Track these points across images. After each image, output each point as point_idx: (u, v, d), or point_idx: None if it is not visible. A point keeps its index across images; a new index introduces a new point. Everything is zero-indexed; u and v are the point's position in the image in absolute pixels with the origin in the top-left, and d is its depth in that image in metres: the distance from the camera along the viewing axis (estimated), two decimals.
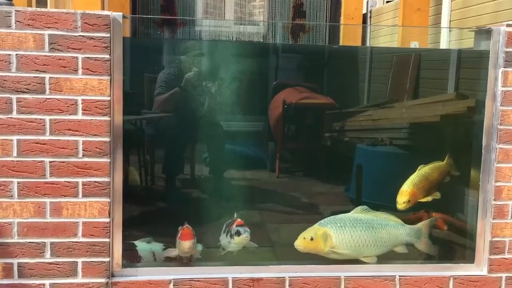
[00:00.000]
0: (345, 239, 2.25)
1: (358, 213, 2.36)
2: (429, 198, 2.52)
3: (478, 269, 2.29)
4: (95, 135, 1.98)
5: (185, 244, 2.20)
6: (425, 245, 2.41)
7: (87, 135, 1.97)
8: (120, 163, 2.05)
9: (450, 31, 4.61)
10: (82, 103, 1.96)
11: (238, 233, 2.28)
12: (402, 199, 2.47)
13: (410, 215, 2.89)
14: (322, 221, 2.30)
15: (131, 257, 2.24)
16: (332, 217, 2.35)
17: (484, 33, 2.29)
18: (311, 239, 2.23)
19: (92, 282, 2.04)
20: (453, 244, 2.68)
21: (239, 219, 2.35)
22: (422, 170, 2.60)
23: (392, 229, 2.35)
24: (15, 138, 1.94)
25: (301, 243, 2.24)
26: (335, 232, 2.25)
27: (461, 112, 2.81)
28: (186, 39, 5.53)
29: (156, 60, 3.11)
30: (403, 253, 2.37)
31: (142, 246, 2.35)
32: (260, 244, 2.41)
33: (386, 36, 6.27)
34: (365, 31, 6.26)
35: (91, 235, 2.02)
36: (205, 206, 2.62)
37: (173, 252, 2.29)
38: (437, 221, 2.63)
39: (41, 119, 1.94)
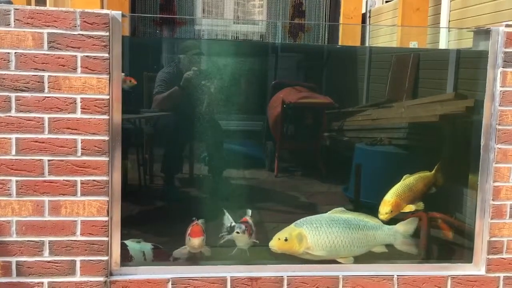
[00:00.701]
0: (320, 240, 2.22)
1: (335, 214, 2.34)
2: (412, 208, 2.48)
3: (476, 269, 2.29)
4: (94, 133, 1.98)
5: (195, 241, 2.24)
6: (405, 245, 2.37)
7: (86, 134, 1.97)
8: (118, 161, 2.05)
9: (449, 31, 4.61)
10: (81, 102, 1.96)
11: (233, 229, 2.32)
12: (385, 209, 2.42)
13: (408, 216, 2.90)
14: (298, 221, 2.28)
15: (125, 256, 2.24)
16: (308, 217, 2.32)
17: (483, 33, 2.29)
18: (286, 239, 2.20)
19: (90, 281, 2.04)
20: (451, 243, 2.69)
21: (245, 217, 2.39)
22: (407, 180, 2.55)
23: (369, 230, 2.32)
24: (13, 136, 1.93)
25: (276, 243, 2.21)
26: (310, 233, 2.22)
27: (460, 112, 2.82)
28: (185, 38, 5.53)
29: (155, 59, 3.11)
30: (383, 252, 2.34)
31: (132, 245, 2.35)
32: (259, 244, 2.41)
33: (385, 36, 6.28)
34: (364, 31, 6.26)
35: (89, 233, 2.02)
36: (203, 205, 2.62)
37: (183, 251, 2.31)
38: (441, 225, 2.61)
39: (40, 117, 1.94)
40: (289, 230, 2.24)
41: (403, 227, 2.38)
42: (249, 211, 2.49)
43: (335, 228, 2.26)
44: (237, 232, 2.29)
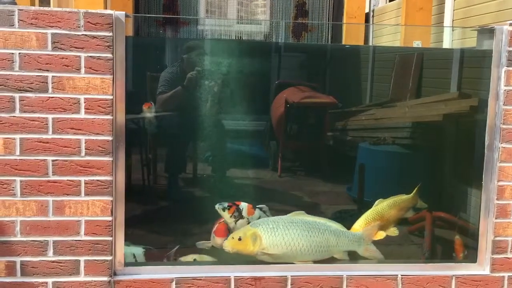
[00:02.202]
0: (276, 241, 2.18)
1: (295, 216, 2.29)
2: (382, 235, 2.37)
3: (480, 268, 2.29)
4: (98, 133, 1.98)
5: (218, 240, 2.30)
6: (369, 252, 2.31)
7: (90, 134, 1.98)
8: (122, 161, 2.05)
9: (453, 30, 4.60)
10: (84, 102, 1.96)
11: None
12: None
13: (412, 216, 2.89)
14: (255, 221, 2.26)
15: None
16: (266, 218, 2.30)
17: (487, 32, 2.28)
18: (239, 239, 2.17)
19: (94, 281, 2.04)
20: (456, 243, 2.68)
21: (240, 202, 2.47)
22: (379, 206, 2.48)
23: (330, 235, 2.25)
24: (18, 137, 1.94)
25: (229, 243, 2.18)
26: (265, 234, 2.18)
27: (464, 112, 2.81)
28: (189, 38, 5.54)
29: (159, 59, 3.11)
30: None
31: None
32: None
33: (389, 35, 6.26)
34: (368, 30, 6.26)
35: (93, 233, 2.02)
36: (207, 205, 2.62)
37: (207, 244, 2.37)
38: (456, 247, 2.48)
39: (43, 118, 1.94)
40: (244, 230, 2.21)
41: (368, 233, 2.32)
42: (265, 207, 2.52)
43: (293, 230, 2.20)
44: (219, 208, 2.36)
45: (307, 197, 3.23)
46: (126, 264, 2.11)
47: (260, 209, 2.49)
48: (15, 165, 1.95)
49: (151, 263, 2.26)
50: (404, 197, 2.56)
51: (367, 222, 2.39)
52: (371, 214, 2.43)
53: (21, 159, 1.95)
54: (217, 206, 2.44)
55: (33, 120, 1.94)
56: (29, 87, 1.93)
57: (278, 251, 2.18)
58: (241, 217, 2.43)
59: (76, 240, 2.01)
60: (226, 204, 2.41)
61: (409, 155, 3.25)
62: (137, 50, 2.50)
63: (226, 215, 2.40)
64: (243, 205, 2.46)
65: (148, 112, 2.79)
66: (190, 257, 2.36)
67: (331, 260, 2.32)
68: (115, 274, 2.08)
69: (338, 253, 2.26)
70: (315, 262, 2.22)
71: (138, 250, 2.34)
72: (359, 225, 2.39)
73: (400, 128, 3.37)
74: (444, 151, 3.05)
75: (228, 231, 2.29)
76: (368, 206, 2.54)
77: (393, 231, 2.43)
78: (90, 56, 1.95)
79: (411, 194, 2.57)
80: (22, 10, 1.90)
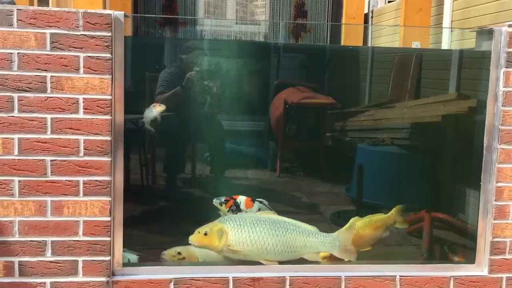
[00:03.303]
0: (242, 238, 2.15)
1: (264, 215, 2.28)
2: (351, 257, 2.29)
3: (478, 269, 2.29)
4: (96, 134, 1.98)
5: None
6: (345, 253, 2.25)
7: (88, 134, 1.97)
8: (121, 162, 2.05)
9: (451, 31, 4.60)
10: (83, 102, 1.96)
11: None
12: (323, 254, 2.29)
13: (411, 216, 2.90)
14: (222, 218, 2.24)
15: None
16: (234, 215, 2.29)
17: (486, 33, 2.28)
18: (205, 234, 2.14)
19: (92, 281, 2.04)
20: (454, 244, 2.68)
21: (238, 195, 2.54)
22: (354, 224, 2.39)
23: (300, 235, 2.20)
24: (16, 136, 1.94)
25: (195, 237, 2.16)
26: (232, 230, 2.15)
27: (463, 112, 2.81)
28: (188, 38, 5.53)
29: (158, 59, 3.11)
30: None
31: None
32: None
33: (388, 36, 6.27)
34: (367, 31, 6.25)
35: (92, 234, 2.02)
36: (205, 205, 2.62)
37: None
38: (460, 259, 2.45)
39: (42, 117, 1.94)
40: (210, 225, 2.19)
41: (343, 235, 2.26)
42: (264, 201, 2.54)
43: (260, 228, 2.18)
44: (216, 203, 2.38)
45: (306, 197, 3.23)
46: (124, 264, 2.11)
47: (260, 202, 2.50)
48: (13, 165, 1.95)
49: (149, 264, 2.26)
50: (382, 216, 2.52)
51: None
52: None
53: (19, 159, 1.95)
54: (214, 201, 2.47)
55: (32, 120, 1.94)
56: (27, 87, 1.92)
57: (244, 248, 2.16)
58: (239, 210, 2.45)
59: (74, 241, 2.01)
60: (223, 199, 2.44)
61: (408, 156, 3.26)
62: (136, 50, 2.50)
63: (223, 210, 2.42)
64: (241, 199, 2.47)
65: (156, 112, 2.79)
66: (173, 251, 2.33)
67: (330, 260, 2.32)
68: (113, 274, 2.08)
69: (307, 254, 2.22)
70: (282, 262, 2.20)
71: (133, 257, 2.33)
72: None
73: (399, 129, 3.37)
74: (443, 152, 3.05)
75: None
76: (367, 206, 2.54)
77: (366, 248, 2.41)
78: (89, 56, 1.94)
79: (388, 214, 2.52)
80: (20, 10, 1.90)
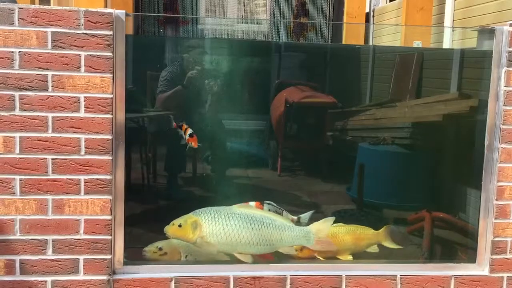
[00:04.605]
0: (216, 231, 2.17)
1: (240, 208, 2.27)
2: (329, 248, 2.30)
3: (479, 269, 2.29)
4: (98, 132, 1.98)
5: None
6: (320, 245, 2.27)
7: (90, 133, 1.98)
8: (122, 160, 2.05)
9: (453, 30, 4.60)
10: (84, 101, 1.96)
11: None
12: (297, 247, 2.30)
13: (411, 215, 2.90)
14: (198, 210, 2.24)
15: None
16: (209, 207, 2.27)
17: (487, 32, 2.28)
18: (180, 225, 2.17)
19: (93, 279, 2.04)
20: (455, 243, 2.68)
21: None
22: (336, 228, 2.42)
23: (275, 229, 2.22)
24: (17, 135, 1.94)
25: (170, 229, 2.18)
26: (206, 222, 2.17)
27: (464, 112, 2.81)
28: (189, 37, 5.53)
29: (159, 58, 3.11)
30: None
31: None
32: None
33: (389, 35, 6.26)
34: (368, 30, 6.25)
35: (93, 232, 2.02)
36: (206, 204, 2.62)
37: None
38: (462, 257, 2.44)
39: (43, 116, 1.94)
40: (185, 217, 2.20)
41: (316, 227, 2.27)
42: (272, 202, 2.52)
43: (234, 221, 2.19)
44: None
45: (307, 196, 3.23)
46: (125, 263, 2.11)
47: (269, 203, 2.49)
48: (14, 164, 1.95)
49: (150, 262, 2.26)
50: (366, 229, 2.51)
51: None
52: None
53: (20, 158, 1.95)
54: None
55: (33, 119, 1.94)
56: (29, 86, 1.92)
57: (218, 240, 2.17)
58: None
59: (75, 239, 2.01)
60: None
61: (409, 155, 3.25)
62: (137, 49, 2.50)
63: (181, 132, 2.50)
64: (251, 204, 2.45)
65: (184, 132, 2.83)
66: (154, 247, 2.32)
67: (330, 259, 2.32)
68: (114, 273, 2.08)
69: (283, 247, 2.24)
70: (257, 256, 2.21)
71: None
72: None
73: (400, 128, 3.37)
74: (444, 151, 3.05)
75: None
76: (368, 206, 2.53)
77: (347, 257, 2.40)
78: (90, 55, 1.95)
79: (376, 231, 2.51)
80: (22, 8, 1.90)
